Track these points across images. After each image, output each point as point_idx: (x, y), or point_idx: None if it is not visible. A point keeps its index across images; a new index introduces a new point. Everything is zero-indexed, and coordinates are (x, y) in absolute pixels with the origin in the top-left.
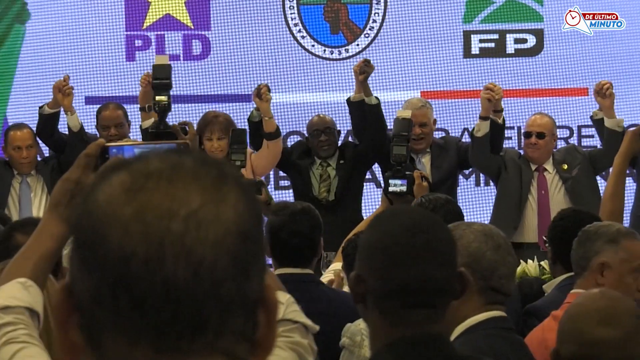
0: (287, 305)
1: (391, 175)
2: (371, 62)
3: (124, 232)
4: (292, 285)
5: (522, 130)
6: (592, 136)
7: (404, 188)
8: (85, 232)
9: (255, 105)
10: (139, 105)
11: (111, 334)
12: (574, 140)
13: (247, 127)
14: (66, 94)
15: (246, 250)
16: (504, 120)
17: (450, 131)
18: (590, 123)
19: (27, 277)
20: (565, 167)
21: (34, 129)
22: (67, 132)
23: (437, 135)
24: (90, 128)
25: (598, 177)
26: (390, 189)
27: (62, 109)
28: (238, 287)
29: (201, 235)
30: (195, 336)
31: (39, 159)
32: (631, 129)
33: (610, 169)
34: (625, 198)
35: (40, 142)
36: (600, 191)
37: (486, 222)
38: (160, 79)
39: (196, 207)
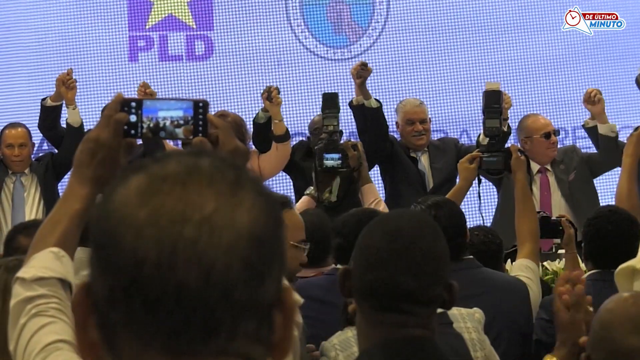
0: None
1: (485, 150)
2: (368, 65)
3: (137, 236)
4: None
5: (537, 133)
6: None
7: (499, 165)
8: (101, 234)
9: (261, 106)
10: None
11: (125, 336)
12: (569, 141)
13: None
14: (70, 87)
15: (260, 255)
16: (509, 128)
17: (450, 132)
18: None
19: (57, 240)
20: (562, 167)
21: (35, 125)
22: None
23: (435, 135)
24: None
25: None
26: (484, 166)
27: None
28: (251, 292)
29: (214, 240)
30: (208, 339)
31: (33, 159)
32: (637, 131)
33: (606, 172)
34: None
35: (41, 136)
36: (599, 195)
37: (486, 222)
38: None
39: (210, 212)
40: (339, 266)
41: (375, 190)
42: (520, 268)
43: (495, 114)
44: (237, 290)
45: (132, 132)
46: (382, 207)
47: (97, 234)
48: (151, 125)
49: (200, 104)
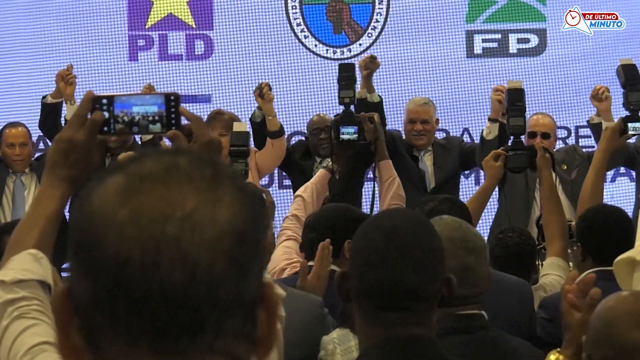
0: None
1: (510, 148)
2: (377, 58)
3: (119, 236)
4: None
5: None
6: (590, 136)
7: (524, 163)
8: (82, 236)
9: (257, 105)
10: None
11: (110, 337)
12: (571, 141)
13: (250, 126)
14: (69, 82)
15: (243, 251)
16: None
17: (450, 131)
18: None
19: (35, 242)
20: (565, 167)
21: (36, 124)
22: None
23: (438, 135)
24: None
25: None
26: (509, 164)
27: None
28: (235, 289)
29: (196, 238)
30: (194, 338)
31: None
32: (610, 124)
33: (607, 172)
34: (625, 200)
35: (37, 136)
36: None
37: (487, 221)
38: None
39: (191, 209)
40: (311, 263)
41: (391, 167)
42: (552, 267)
43: (518, 112)
44: (222, 287)
45: (105, 129)
46: (397, 185)
47: (76, 236)
48: (126, 120)
49: (172, 97)
